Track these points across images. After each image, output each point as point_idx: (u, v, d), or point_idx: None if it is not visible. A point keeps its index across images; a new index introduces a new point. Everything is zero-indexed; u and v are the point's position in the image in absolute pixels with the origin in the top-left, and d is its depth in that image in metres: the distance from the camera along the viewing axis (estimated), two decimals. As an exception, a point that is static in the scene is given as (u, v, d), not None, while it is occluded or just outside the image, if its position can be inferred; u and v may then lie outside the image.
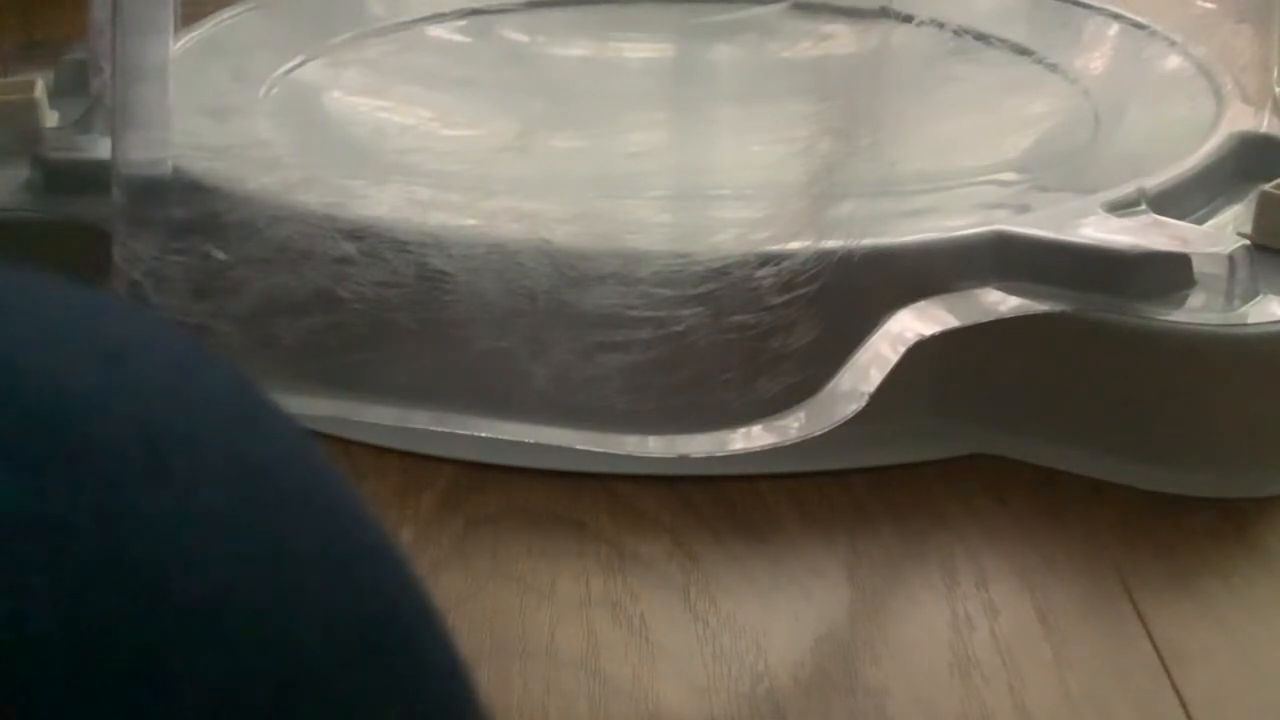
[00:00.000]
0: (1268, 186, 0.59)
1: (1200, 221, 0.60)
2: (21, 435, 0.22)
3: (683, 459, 0.54)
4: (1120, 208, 0.57)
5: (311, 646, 0.23)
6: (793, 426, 0.53)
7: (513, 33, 0.82)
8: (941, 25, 0.64)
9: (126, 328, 0.26)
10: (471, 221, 0.57)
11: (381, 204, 0.59)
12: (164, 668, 0.21)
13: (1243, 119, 0.65)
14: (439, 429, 0.55)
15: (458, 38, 0.81)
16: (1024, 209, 0.59)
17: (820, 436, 0.53)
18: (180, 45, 0.70)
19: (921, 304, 0.54)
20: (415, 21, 0.81)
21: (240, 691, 0.22)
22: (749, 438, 0.53)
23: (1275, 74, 0.67)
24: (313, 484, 0.26)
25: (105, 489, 0.22)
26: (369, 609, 0.25)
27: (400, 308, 0.55)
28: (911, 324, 0.54)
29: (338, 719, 0.23)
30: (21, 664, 0.20)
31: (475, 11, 0.81)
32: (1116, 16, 0.75)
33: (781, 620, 0.48)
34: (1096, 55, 0.75)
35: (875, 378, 0.53)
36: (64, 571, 0.21)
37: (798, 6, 0.80)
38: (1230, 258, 0.54)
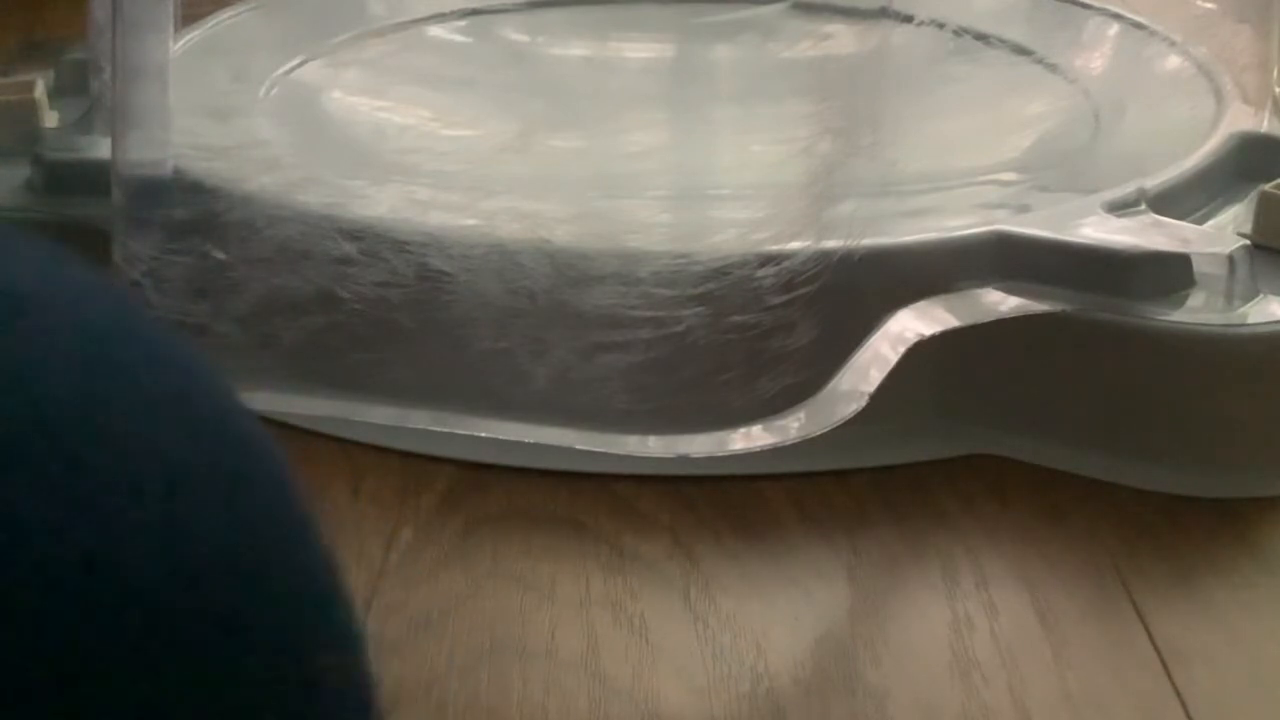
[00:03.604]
0: (1268, 186, 0.59)
1: (1200, 221, 0.60)
2: None
3: (683, 459, 0.54)
4: (1120, 208, 0.57)
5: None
6: (793, 426, 0.53)
7: (513, 33, 0.82)
8: (941, 25, 0.64)
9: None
10: (471, 221, 0.57)
11: (381, 204, 0.59)
12: None
13: (1243, 119, 0.65)
14: (439, 429, 0.55)
15: (458, 38, 0.81)
16: (1024, 209, 0.59)
17: (820, 436, 0.53)
18: (180, 45, 0.70)
19: (921, 304, 0.54)
20: (415, 21, 0.81)
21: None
22: (749, 438, 0.53)
23: (1275, 74, 0.67)
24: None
25: None
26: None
27: (400, 308, 0.55)
28: (911, 324, 0.54)
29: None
30: None
31: (475, 11, 0.82)
32: (1116, 16, 0.75)
33: (781, 620, 0.49)
34: (1096, 55, 0.75)
35: (875, 378, 0.53)
36: None
37: (798, 6, 0.80)
38: (1230, 258, 0.54)
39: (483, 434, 0.55)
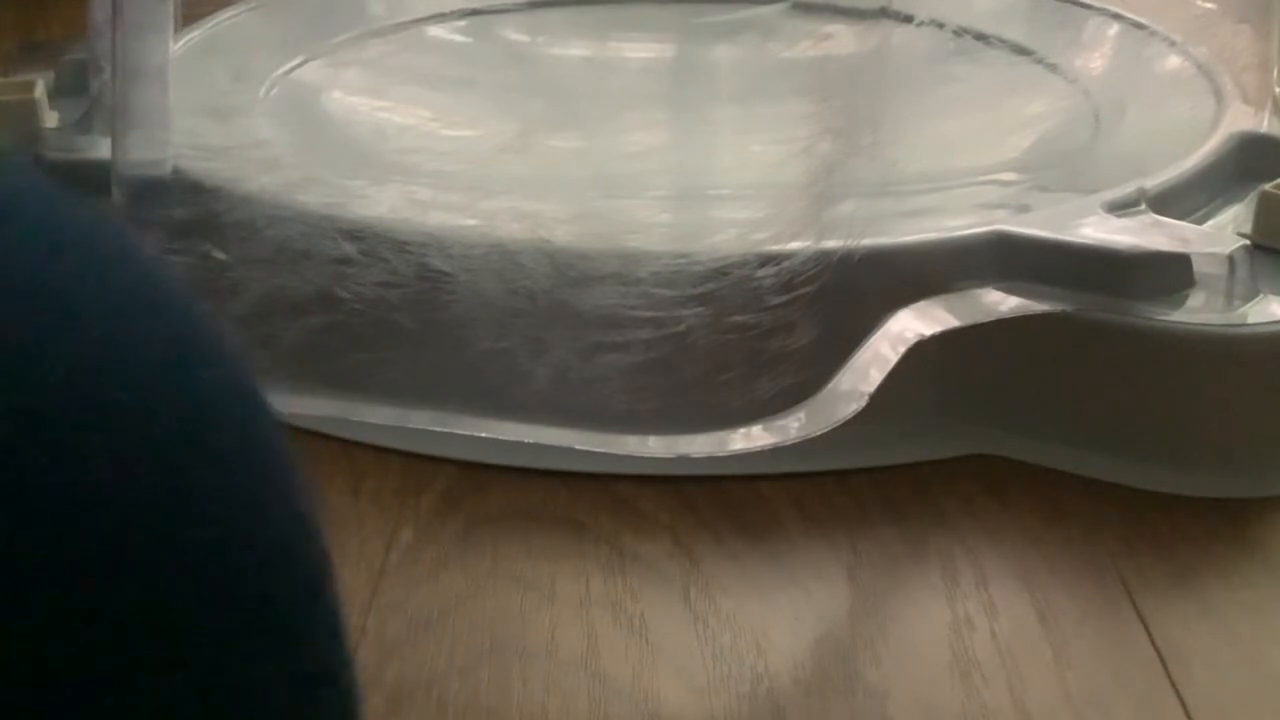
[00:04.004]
0: (1268, 186, 0.59)
1: (1200, 221, 0.60)
2: None
3: (683, 459, 0.54)
4: (1120, 208, 0.57)
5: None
6: (793, 426, 0.53)
7: (513, 33, 0.82)
8: (941, 25, 0.64)
9: None
10: (471, 221, 0.57)
11: (381, 204, 0.59)
12: None
13: (1243, 119, 0.65)
14: (439, 429, 0.55)
15: (458, 38, 0.81)
16: (1024, 209, 0.59)
17: (820, 436, 0.53)
18: (180, 45, 0.71)
19: (921, 304, 0.54)
20: (415, 21, 0.81)
21: None
22: (749, 438, 0.53)
23: (1275, 74, 0.67)
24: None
25: None
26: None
27: (400, 308, 0.55)
28: (911, 324, 0.54)
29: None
30: None
31: (475, 11, 0.82)
32: (1116, 16, 0.75)
33: (781, 620, 0.49)
34: (1096, 55, 0.75)
35: (875, 378, 0.53)
36: None
37: (798, 6, 0.80)
38: (1230, 258, 0.54)
39: (483, 434, 0.55)
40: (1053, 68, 0.72)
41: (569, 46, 0.82)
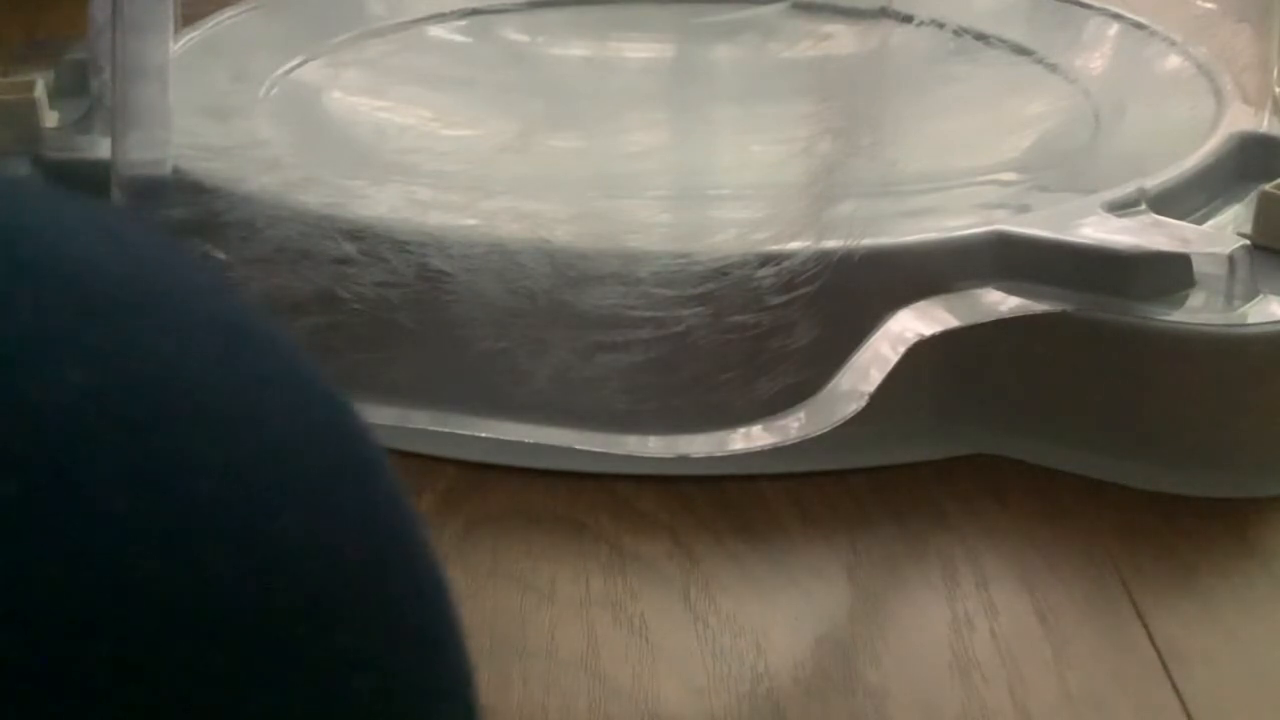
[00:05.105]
0: (1268, 186, 0.59)
1: (1200, 221, 0.60)
2: None
3: (683, 459, 0.54)
4: (1120, 208, 0.57)
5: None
6: (793, 426, 0.53)
7: (513, 33, 0.82)
8: (941, 25, 0.64)
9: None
10: (471, 221, 0.57)
11: (381, 204, 0.59)
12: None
13: (1243, 119, 0.65)
14: (439, 429, 0.55)
15: (458, 38, 0.81)
16: (1024, 209, 0.59)
17: (820, 436, 0.53)
18: (180, 45, 0.70)
19: (921, 304, 0.54)
20: (415, 21, 0.81)
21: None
22: (749, 438, 0.53)
23: (1275, 74, 0.67)
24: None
25: None
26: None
27: (400, 308, 0.55)
28: (911, 324, 0.54)
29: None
30: None
31: (475, 11, 0.81)
32: (1116, 16, 0.75)
33: (781, 620, 0.49)
34: (1096, 55, 0.75)
35: (875, 378, 0.53)
36: None
37: (798, 6, 0.80)
38: (1230, 258, 0.54)
39: (483, 434, 0.55)
40: (1053, 68, 0.72)
41: (569, 46, 0.82)
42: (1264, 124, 0.65)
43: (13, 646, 0.20)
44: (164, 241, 0.27)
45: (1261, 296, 0.55)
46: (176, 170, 0.60)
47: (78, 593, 0.21)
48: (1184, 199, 0.60)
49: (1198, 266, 0.55)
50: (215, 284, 0.27)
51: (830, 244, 0.54)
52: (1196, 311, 0.54)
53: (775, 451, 0.53)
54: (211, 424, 0.24)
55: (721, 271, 0.53)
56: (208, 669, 0.22)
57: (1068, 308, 0.54)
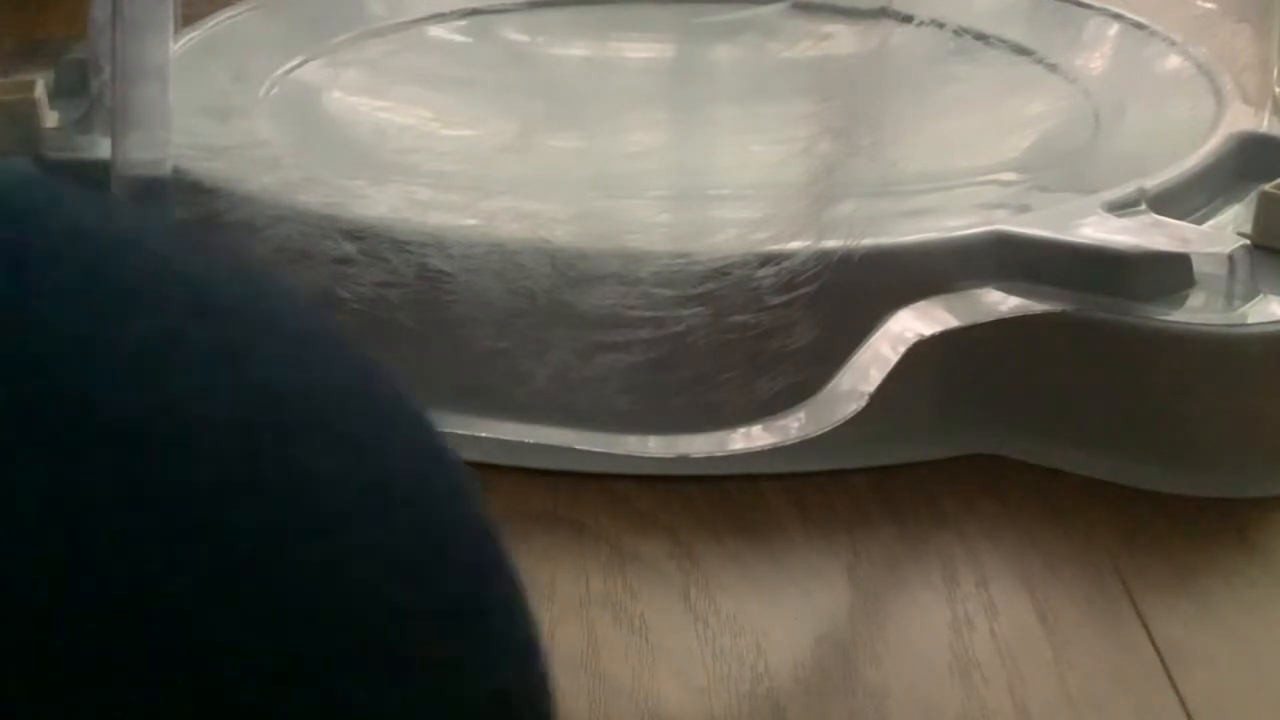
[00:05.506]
0: (1268, 186, 0.59)
1: (1200, 221, 0.60)
2: None
3: (683, 459, 0.54)
4: (1120, 208, 0.57)
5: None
6: (793, 426, 0.53)
7: (513, 33, 0.82)
8: (941, 25, 0.64)
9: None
10: (471, 221, 0.57)
11: (381, 204, 0.59)
12: None
13: (1243, 119, 0.65)
14: (438, 429, 0.55)
15: (458, 38, 0.81)
16: (1024, 209, 0.59)
17: (820, 436, 0.53)
18: (180, 45, 0.70)
19: (921, 304, 0.54)
20: (415, 21, 0.81)
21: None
22: (749, 438, 0.53)
23: (1275, 74, 0.67)
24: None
25: None
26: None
27: (400, 308, 0.55)
28: (911, 324, 0.54)
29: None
30: None
31: (475, 11, 0.81)
32: (1116, 16, 0.75)
33: (781, 620, 0.48)
34: (1096, 55, 0.75)
35: (875, 378, 0.53)
36: None
37: (798, 6, 0.80)
38: (1230, 258, 0.54)
39: (483, 434, 0.55)
40: (1053, 68, 0.72)
41: (569, 46, 0.82)
42: (1264, 124, 0.65)
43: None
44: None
45: (1261, 296, 0.55)
46: (176, 170, 0.60)
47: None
48: (1184, 199, 0.60)
49: (1198, 266, 0.55)
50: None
51: (830, 244, 0.54)
52: (1196, 311, 0.54)
53: (775, 451, 0.53)
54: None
55: (721, 271, 0.53)
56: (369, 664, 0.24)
57: (1068, 308, 0.54)
